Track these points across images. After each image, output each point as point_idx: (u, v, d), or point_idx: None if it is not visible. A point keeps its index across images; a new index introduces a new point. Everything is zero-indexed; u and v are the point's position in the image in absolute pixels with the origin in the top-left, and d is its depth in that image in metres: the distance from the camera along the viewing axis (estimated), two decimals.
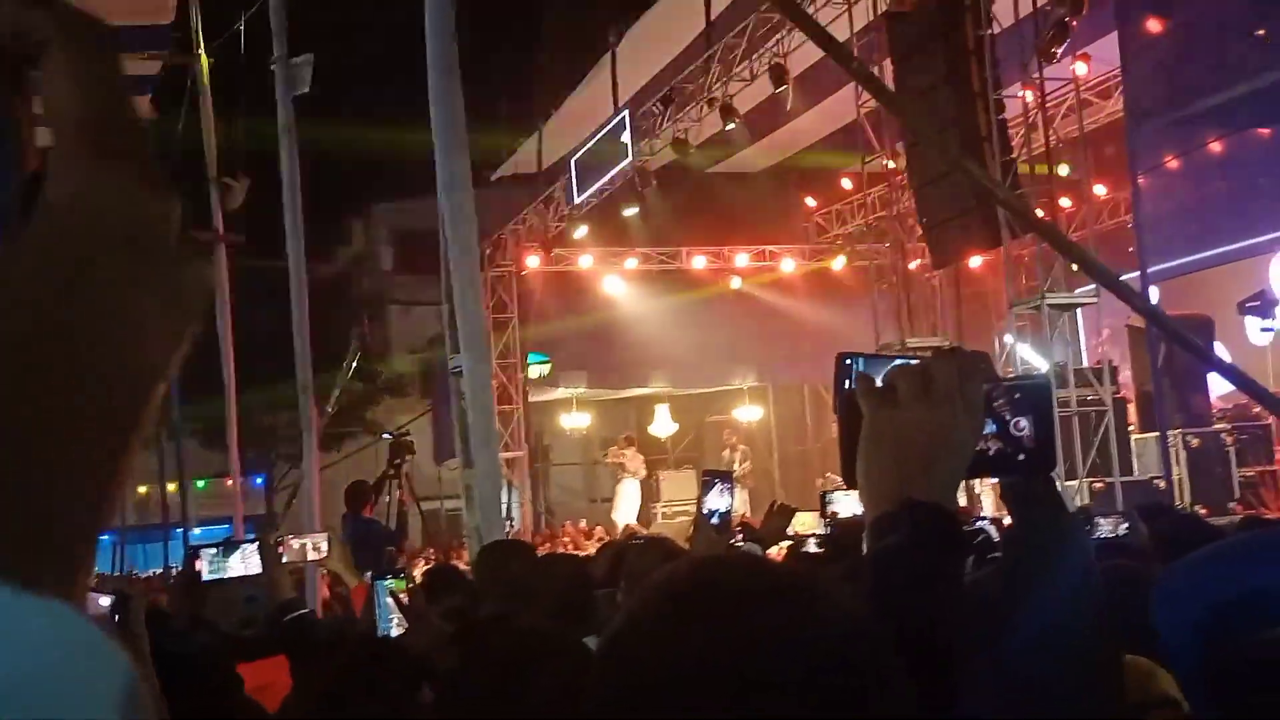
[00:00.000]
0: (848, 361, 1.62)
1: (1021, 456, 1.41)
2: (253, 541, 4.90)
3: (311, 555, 5.25)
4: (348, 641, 3.05)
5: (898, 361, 1.67)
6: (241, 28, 13.10)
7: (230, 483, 14.82)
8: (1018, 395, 1.41)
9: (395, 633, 3.93)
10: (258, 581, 4.73)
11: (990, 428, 1.40)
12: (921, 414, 1.32)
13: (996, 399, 1.41)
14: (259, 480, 26.01)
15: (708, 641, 1.03)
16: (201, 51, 13.20)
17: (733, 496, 3.86)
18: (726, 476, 3.94)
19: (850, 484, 1.39)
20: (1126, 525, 5.68)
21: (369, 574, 4.73)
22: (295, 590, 5.26)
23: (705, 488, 3.87)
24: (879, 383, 1.39)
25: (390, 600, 4.03)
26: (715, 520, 3.74)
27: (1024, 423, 1.41)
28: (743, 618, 1.04)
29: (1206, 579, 1.54)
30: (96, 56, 0.58)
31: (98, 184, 0.56)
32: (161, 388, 0.60)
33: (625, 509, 20.56)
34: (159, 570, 20.76)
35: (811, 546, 4.11)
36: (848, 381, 1.61)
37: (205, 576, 4.68)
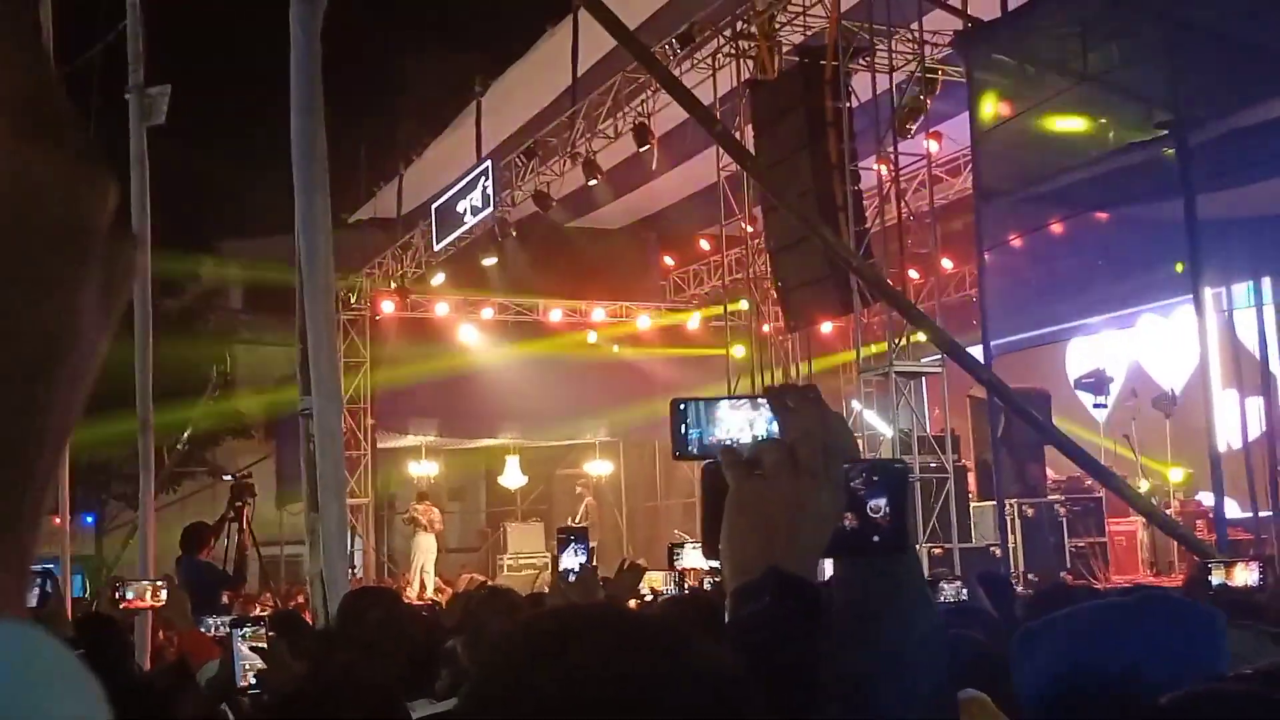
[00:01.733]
0: (681, 406, 1.65)
1: (876, 538, 1.44)
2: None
3: (149, 602, 5.08)
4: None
5: (724, 402, 1.70)
6: (95, 54, 12.75)
7: (58, 520, 14.25)
8: (875, 477, 1.44)
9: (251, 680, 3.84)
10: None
11: (853, 503, 1.43)
12: (786, 486, 1.35)
13: (854, 478, 1.43)
14: (89, 519, 25.04)
15: (570, 687, 1.03)
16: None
17: (588, 555, 3.87)
18: (582, 535, 3.94)
19: (711, 554, 1.40)
20: (966, 590, 5.84)
21: (208, 619, 4.60)
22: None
23: (561, 546, 3.87)
24: (745, 454, 1.41)
25: (245, 649, 3.94)
26: (570, 579, 3.73)
27: (880, 504, 1.44)
28: (610, 661, 1.04)
29: (1063, 640, 1.59)
30: (16, 28, 0.54)
31: (33, 167, 0.52)
32: (90, 379, 0.58)
33: (423, 564, 20.33)
34: None
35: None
36: (683, 427, 1.63)
37: None
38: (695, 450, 1.64)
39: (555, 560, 3.87)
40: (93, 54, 12.78)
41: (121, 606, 4.90)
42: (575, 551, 3.81)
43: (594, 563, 3.85)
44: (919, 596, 1.48)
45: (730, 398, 1.58)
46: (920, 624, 1.47)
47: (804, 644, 1.29)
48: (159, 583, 5.23)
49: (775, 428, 1.54)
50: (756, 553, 1.33)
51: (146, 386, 9.72)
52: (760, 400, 1.64)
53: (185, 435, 19.37)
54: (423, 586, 19.56)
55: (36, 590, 4.81)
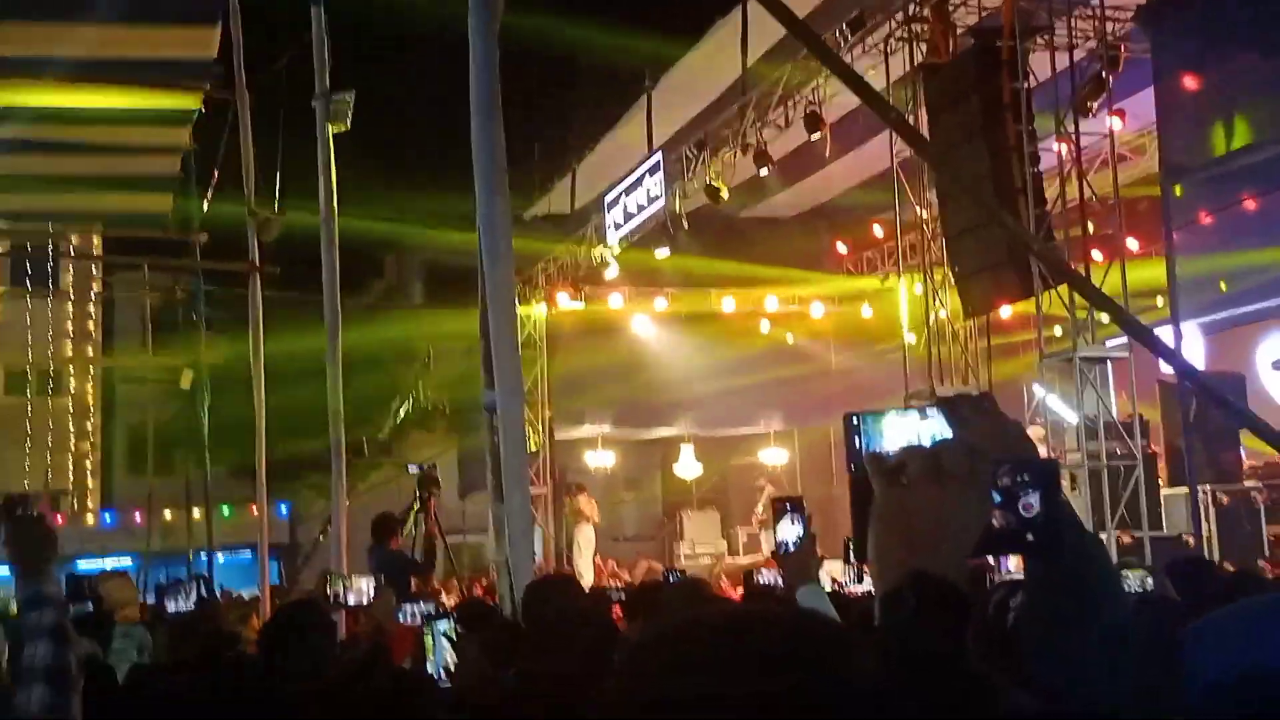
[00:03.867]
0: (854, 421, 1.66)
1: (1030, 536, 1.44)
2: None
3: (363, 600, 5.30)
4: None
5: (892, 413, 1.71)
6: (284, 64, 13.27)
7: (255, 510, 14.90)
8: (1025, 476, 1.44)
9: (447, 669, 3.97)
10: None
11: (1007, 501, 1.44)
12: (930, 493, 1.37)
13: (1003, 478, 1.44)
14: (284, 509, 26.08)
15: (707, 702, 1.04)
16: (243, 87, 13.36)
17: (805, 524, 3.76)
18: (798, 503, 3.84)
19: (860, 558, 1.43)
20: (1153, 580, 5.67)
21: (405, 605, 4.76)
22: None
23: (777, 516, 3.78)
24: (890, 461, 1.42)
25: (444, 640, 4.05)
26: (789, 549, 3.66)
27: (1033, 501, 1.44)
28: (760, 673, 1.06)
29: (1241, 634, 1.56)
30: None
31: None
32: None
33: (585, 554, 20.48)
34: None
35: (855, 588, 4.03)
36: (857, 439, 1.65)
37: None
38: None
39: (774, 532, 3.74)
40: (281, 64, 13.30)
41: (337, 603, 5.10)
42: (793, 521, 3.70)
43: (811, 533, 3.73)
44: (1108, 594, 1.47)
45: (903, 409, 1.60)
46: (1108, 619, 1.46)
47: (951, 646, 1.29)
48: (369, 579, 5.43)
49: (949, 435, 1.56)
50: (901, 559, 1.35)
51: (337, 380, 10.11)
52: (932, 409, 1.65)
53: (388, 425, 20.03)
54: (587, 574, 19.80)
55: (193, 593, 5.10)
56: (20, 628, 2.89)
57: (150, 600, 8.24)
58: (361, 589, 5.38)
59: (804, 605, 3.67)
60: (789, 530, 3.77)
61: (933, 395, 15.01)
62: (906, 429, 1.66)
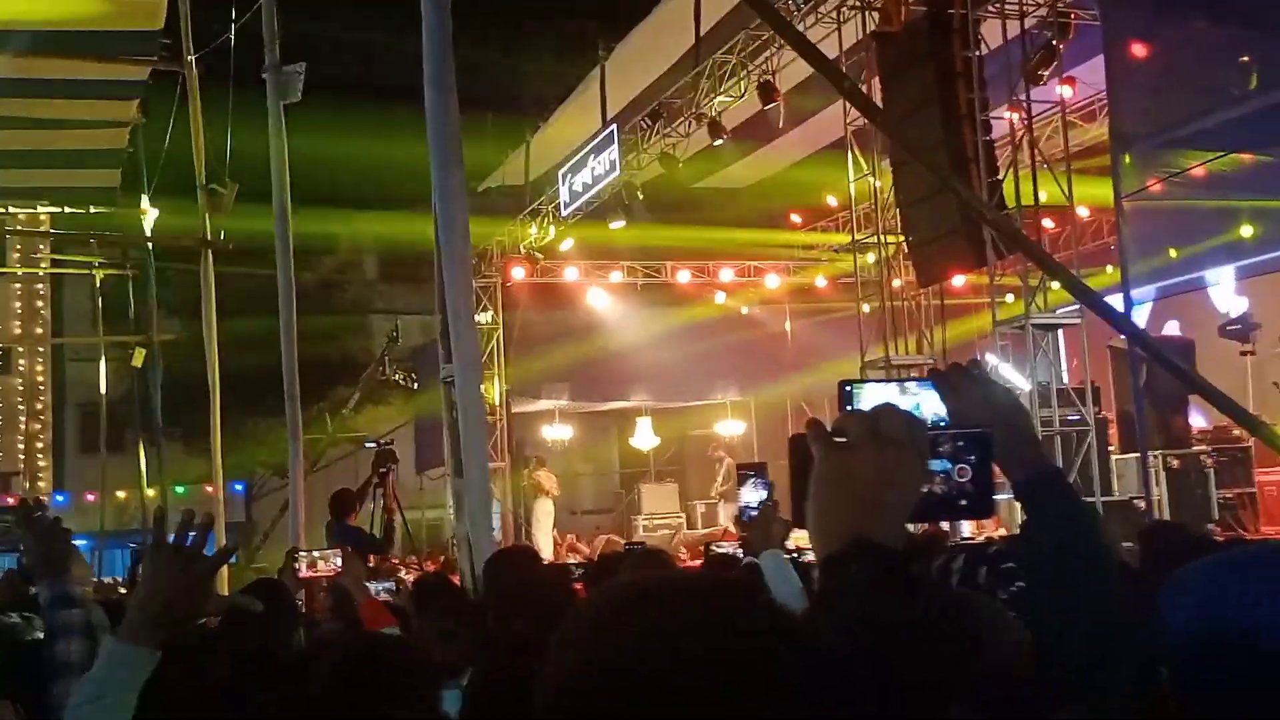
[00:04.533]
0: (848, 388, 1.68)
1: (963, 501, 1.47)
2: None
3: (328, 570, 5.29)
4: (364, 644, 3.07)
5: (892, 385, 1.73)
6: (232, 36, 13.11)
7: (210, 489, 14.80)
8: (960, 443, 1.47)
9: None
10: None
11: (940, 468, 1.46)
12: (869, 456, 1.37)
13: (942, 444, 1.46)
14: (239, 487, 25.92)
15: (642, 664, 1.07)
16: (192, 58, 13.19)
17: (768, 491, 3.81)
18: (762, 470, 3.89)
19: (800, 523, 1.42)
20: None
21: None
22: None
23: (740, 481, 3.83)
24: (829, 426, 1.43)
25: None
26: (751, 513, 3.71)
27: (966, 469, 1.46)
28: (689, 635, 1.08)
29: (1214, 583, 1.59)
30: None
31: None
32: None
33: (544, 527, 20.51)
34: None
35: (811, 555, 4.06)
36: (848, 407, 1.66)
37: None
38: None
39: (738, 497, 3.81)
40: (228, 35, 13.15)
41: (302, 576, 5.08)
42: (755, 486, 3.75)
43: (773, 499, 3.79)
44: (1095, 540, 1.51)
45: (898, 380, 1.62)
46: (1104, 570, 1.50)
47: (892, 610, 1.30)
48: (336, 552, 5.42)
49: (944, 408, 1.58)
50: (843, 523, 1.35)
51: (292, 359, 10.03)
52: (923, 380, 1.67)
53: (353, 401, 19.88)
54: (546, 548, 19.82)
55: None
56: (51, 623, 2.99)
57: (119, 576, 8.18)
58: (330, 561, 5.38)
59: (767, 570, 3.70)
60: (752, 494, 3.82)
61: (888, 363, 15.11)
62: (906, 400, 1.68)
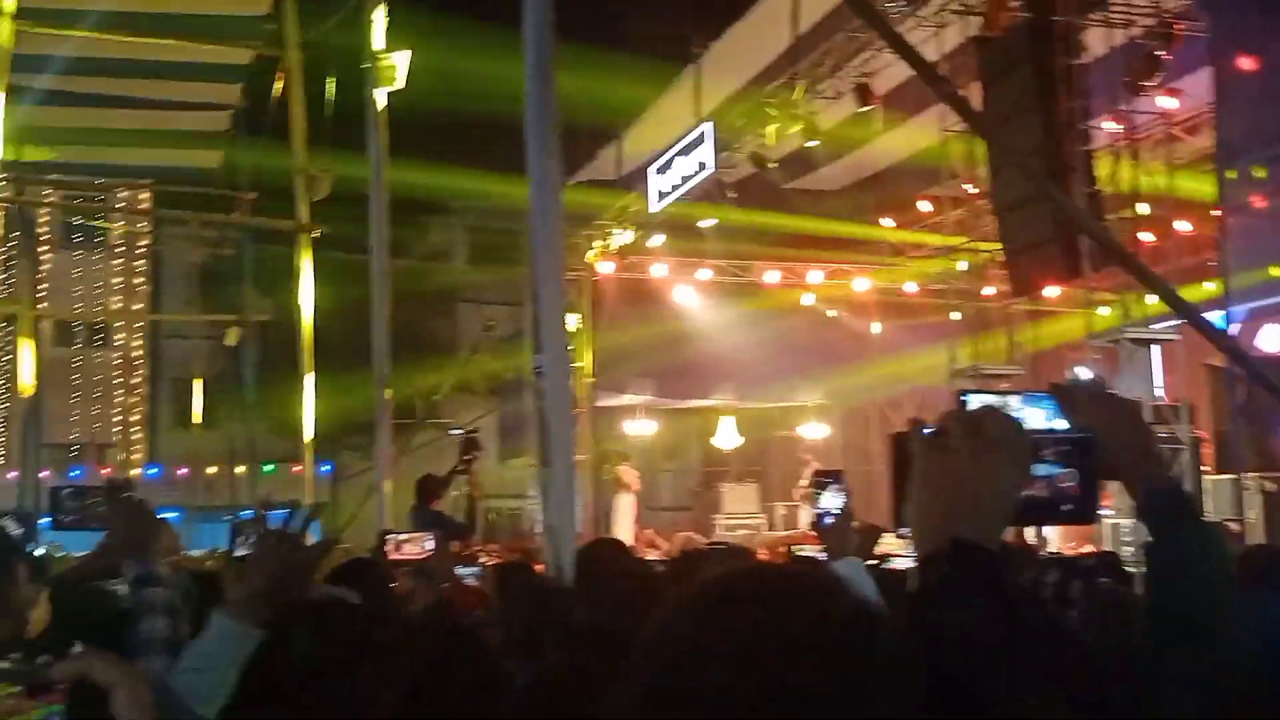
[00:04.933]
0: (963, 398, 1.68)
1: (1067, 506, 1.46)
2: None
3: (414, 553, 5.38)
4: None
5: (1009, 401, 1.72)
6: (336, 24, 13.29)
7: (298, 469, 15.03)
8: (1065, 448, 1.46)
9: None
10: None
11: (1045, 472, 1.45)
12: (969, 458, 1.38)
13: (1046, 448, 1.45)
14: (326, 468, 26.26)
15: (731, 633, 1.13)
16: (294, 44, 13.40)
17: (845, 495, 3.82)
18: (839, 475, 3.91)
19: (900, 523, 1.44)
20: None
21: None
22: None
23: (818, 488, 3.84)
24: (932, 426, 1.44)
25: None
26: (829, 520, 3.72)
27: (1069, 474, 1.46)
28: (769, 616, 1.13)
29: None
30: None
31: None
32: None
33: (623, 524, 20.49)
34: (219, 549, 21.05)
35: (905, 562, 4.05)
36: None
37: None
38: None
39: (814, 503, 3.83)
40: (330, 24, 13.34)
41: (394, 558, 5.16)
42: (832, 492, 3.76)
43: (849, 507, 3.80)
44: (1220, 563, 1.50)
45: (1017, 393, 1.61)
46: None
47: (985, 609, 1.31)
48: (426, 535, 5.50)
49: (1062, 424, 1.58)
50: (940, 523, 1.36)
51: (383, 345, 10.17)
52: (1031, 396, 1.67)
53: (444, 388, 20.12)
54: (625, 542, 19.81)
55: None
56: (136, 601, 3.07)
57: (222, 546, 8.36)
58: (419, 544, 5.47)
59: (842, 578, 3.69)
60: (828, 500, 3.82)
61: (975, 372, 14.94)
62: (1024, 414, 1.67)
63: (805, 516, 20.73)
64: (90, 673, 1.45)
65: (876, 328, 22.97)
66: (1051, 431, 1.50)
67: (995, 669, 1.28)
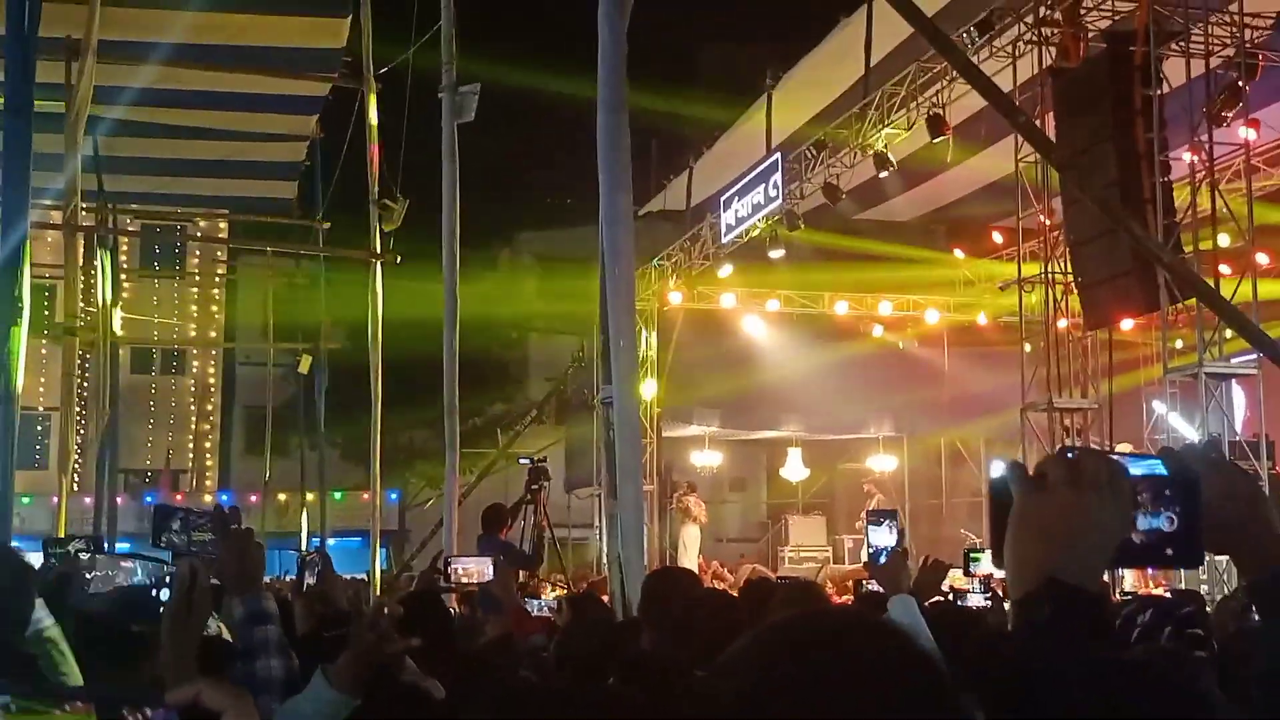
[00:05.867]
0: (1069, 455, 1.65)
1: (1169, 550, 1.44)
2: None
3: (474, 579, 5.39)
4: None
5: (1119, 455, 1.68)
6: (410, 57, 13.44)
7: (366, 496, 15.14)
8: (1167, 490, 1.44)
9: None
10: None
11: (1150, 522, 1.43)
12: (1067, 500, 1.38)
13: (1146, 491, 1.44)
14: (393, 496, 26.47)
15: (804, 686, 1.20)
16: (371, 76, 13.56)
17: (899, 537, 3.92)
18: (893, 515, 3.99)
19: (999, 563, 1.44)
20: None
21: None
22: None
23: (873, 524, 3.92)
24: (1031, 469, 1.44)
25: None
26: (884, 557, 3.78)
27: (1172, 516, 1.43)
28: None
29: None
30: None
31: None
32: None
33: (690, 553, 20.38)
34: (290, 576, 21.25)
35: (975, 601, 4.03)
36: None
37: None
38: None
39: (867, 540, 3.94)
40: (408, 56, 13.49)
41: (453, 582, 5.19)
42: (890, 530, 3.85)
43: (903, 545, 3.88)
44: None
45: (1127, 454, 1.57)
46: None
47: (1083, 651, 1.31)
48: (486, 560, 5.51)
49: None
50: (1037, 564, 1.36)
51: (453, 373, 10.22)
52: (1138, 458, 1.62)
53: (528, 420, 20.18)
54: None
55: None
56: (247, 640, 3.07)
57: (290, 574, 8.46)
58: (475, 570, 5.47)
59: (896, 616, 3.70)
60: (882, 538, 3.90)
61: (1049, 406, 14.71)
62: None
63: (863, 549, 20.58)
64: (202, 698, 1.52)
65: (946, 360, 22.77)
66: (1153, 473, 1.47)
67: (1096, 710, 1.29)
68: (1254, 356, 12.47)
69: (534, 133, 22.61)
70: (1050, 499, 1.38)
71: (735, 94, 18.75)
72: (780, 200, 17.40)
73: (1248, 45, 13.42)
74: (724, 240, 19.40)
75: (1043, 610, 1.32)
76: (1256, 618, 1.68)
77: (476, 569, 5.42)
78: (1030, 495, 1.39)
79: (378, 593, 11.05)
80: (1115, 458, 1.42)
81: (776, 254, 18.69)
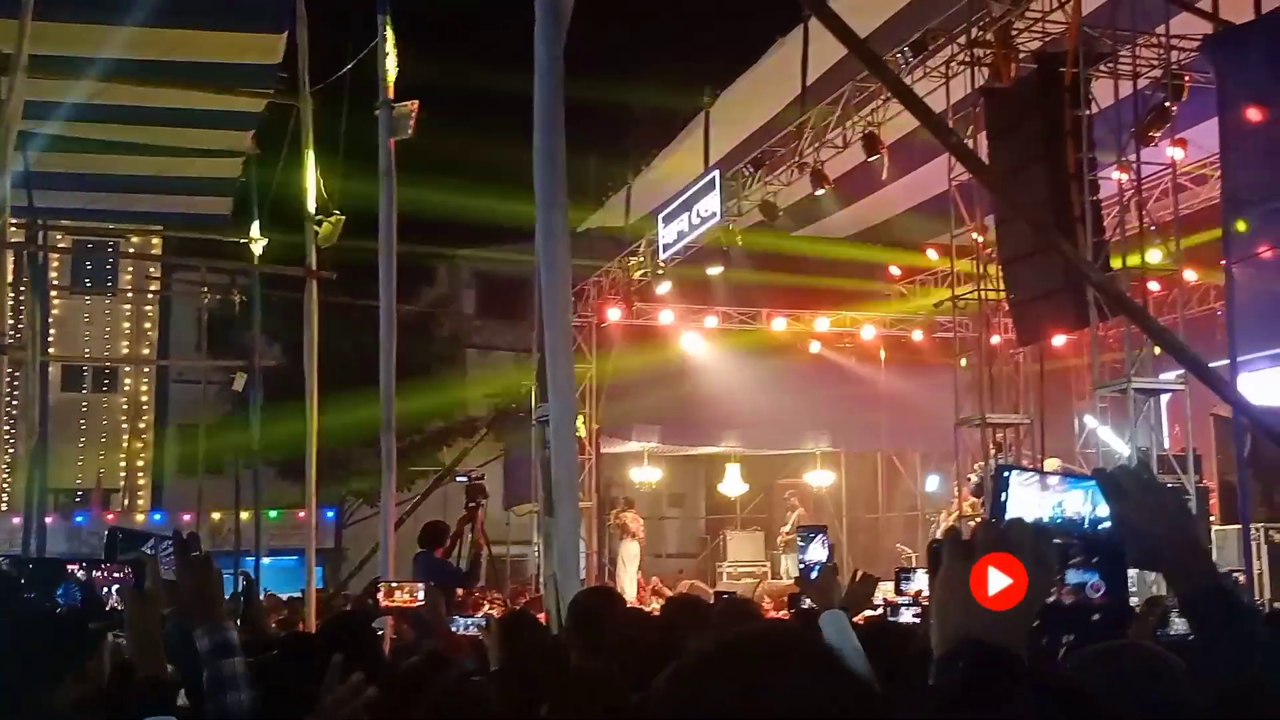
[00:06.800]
0: (1005, 474, 1.69)
1: (1095, 616, 1.49)
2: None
3: (405, 602, 5.36)
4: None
5: (1034, 481, 1.72)
6: (347, 72, 13.36)
7: (303, 514, 14.99)
8: (1094, 557, 1.49)
9: None
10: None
11: (1081, 577, 1.48)
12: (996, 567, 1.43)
13: (1074, 556, 1.48)
14: (330, 514, 26.23)
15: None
16: (307, 93, 13.46)
17: (830, 549, 4.00)
18: (824, 530, 4.06)
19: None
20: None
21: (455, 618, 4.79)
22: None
23: (805, 541, 3.98)
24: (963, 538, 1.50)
25: None
26: (815, 572, 3.83)
27: (1097, 582, 1.49)
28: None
29: None
30: None
31: None
32: None
33: (629, 570, 20.40)
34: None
35: (907, 616, 4.09)
36: (1004, 494, 1.67)
37: None
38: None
39: (799, 556, 4.00)
40: (344, 72, 13.42)
41: (384, 606, 5.16)
42: (822, 544, 3.92)
43: (833, 560, 3.94)
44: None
45: (1039, 473, 1.62)
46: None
47: (997, 709, 1.36)
48: (418, 585, 5.49)
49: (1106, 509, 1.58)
50: (956, 625, 1.42)
51: (390, 390, 10.15)
52: (1073, 479, 1.67)
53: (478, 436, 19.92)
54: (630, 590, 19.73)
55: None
56: (214, 673, 2.93)
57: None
58: (410, 593, 5.45)
59: (828, 631, 3.75)
60: (814, 553, 3.96)
61: (983, 421, 14.89)
62: (1028, 499, 1.68)
63: (786, 562, 20.72)
64: None
65: (883, 375, 22.97)
66: (1082, 536, 1.52)
67: None
68: (1181, 372, 12.70)
69: (475, 149, 22.54)
70: (975, 565, 1.43)
71: (673, 112, 18.84)
72: (719, 217, 17.49)
73: (1174, 66, 13.69)
74: (663, 258, 19.46)
75: (957, 668, 1.37)
76: (1171, 632, 1.75)
77: (405, 592, 5.40)
78: (956, 560, 1.45)
79: (313, 613, 10.94)
80: (1041, 526, 1.48)
81: (714, 270, 18.77)
